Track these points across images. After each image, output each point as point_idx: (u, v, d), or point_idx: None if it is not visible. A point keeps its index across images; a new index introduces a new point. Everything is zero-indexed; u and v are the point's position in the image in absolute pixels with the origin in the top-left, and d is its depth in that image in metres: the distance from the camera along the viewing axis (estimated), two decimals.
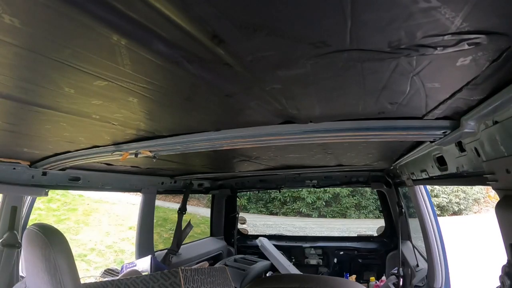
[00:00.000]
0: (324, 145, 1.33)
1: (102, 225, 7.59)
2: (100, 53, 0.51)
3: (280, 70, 0.57)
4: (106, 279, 1.92)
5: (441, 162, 1.19)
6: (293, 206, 14.13)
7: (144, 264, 2.25)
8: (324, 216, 13.83)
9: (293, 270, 2.63)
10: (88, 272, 5.67)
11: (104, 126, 0.94)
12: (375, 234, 3.23)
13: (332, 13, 0.40)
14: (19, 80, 0.61)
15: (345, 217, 13.77)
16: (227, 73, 0.58)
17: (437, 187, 12.15)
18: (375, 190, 3.04)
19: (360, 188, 12.63)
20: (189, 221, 2.78)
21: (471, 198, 13.83)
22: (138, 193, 2.46)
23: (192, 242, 3.09)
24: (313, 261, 3.12)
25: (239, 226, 3.54)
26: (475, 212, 13.56)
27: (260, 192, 13.85)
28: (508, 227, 0.74)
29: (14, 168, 1.43)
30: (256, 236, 3.23)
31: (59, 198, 7.53)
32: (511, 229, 0.73)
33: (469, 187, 11.35)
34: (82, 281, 1.29)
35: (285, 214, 14.10)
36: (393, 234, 2.80)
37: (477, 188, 12.06)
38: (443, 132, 0.88)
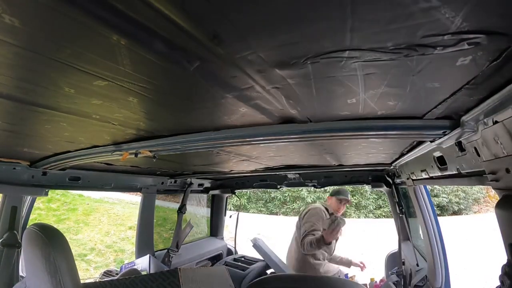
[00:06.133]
0: (324, 145, 1.33)
1: (102, 225, 7.59)
2: (100, 53, 0.51)
3: (280, 70, 0.57)
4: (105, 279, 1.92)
5: (441, 162, 1.19)
6: (293, 205, 14.15)
7: (143, 264, 2.25)
8: None
9: (289, 270, 2.63)
10: (88, 272, 5.68)
11: (104, 126, 0.94)
12: None
13: (332, 13, 0.40)
14: (19, 80, 0.61)
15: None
16: (227, 73, 0.58)
17: (437, 186, 12.16)
18: (375, 190, 3.03)
19: (360, 187, 12.64)
20: (189, 221, 2.78)
21: (471, 197, 13.85)
22: (138, 192, 2.46)
23: (192, 242, 3.09)
24: None
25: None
26: (475, 212, 13.57)
27: (260, 192, 13.89)
28: (508, 227, 0.74)
29: (14, 168, 1.43)
30: None
31: (59, 198, 7.53)
32: (511, 229, 0.74)
33: (469, 186, 11.36)
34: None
35: (285, 213, 14.11)
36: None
37: (477, 187, 12.08)
38: (443, 132, 0.88)
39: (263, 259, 2.78)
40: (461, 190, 13.39)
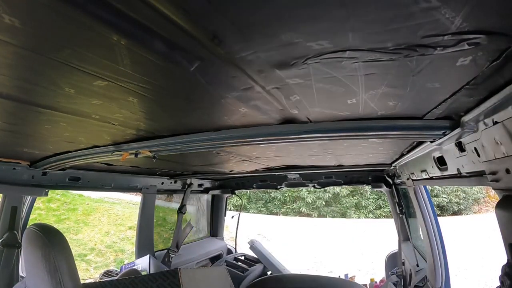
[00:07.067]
0: (324, 145, 1.33)
1: (102, 225, 7.58)
2: (100, 53, 0.51)
3: (280, 70, 0.57)
4: (105, 279, 1.92)
5: (441, 162, 1.19)
6: (293, 206, 14.15)
7: (143, 264, 2.25)
8: (324, 216, 13.86)
9: (286, 271, 2.63)
10: (88, 272, 5.68)
11: (104, 126, 0.94)
12: None
13: (332, 13, 0.40)
14: (19, 80, 0.61)
15: (345, 217, 13.79)
16: (227, 73, 0.58)
17: (437, 186, 12.16)
18: (375, 190, 3.03)
19: (360, 187, 12.64)
20: (189, 221, 2.78)
21: (471, 198, 13.85)
22: (139, 192, 2.46)
23: (192, 242, 3.09)
24: None
25: None
26: (475, 212, 13.57)
27: (260, 192, 13.89)
28: (508, 227, 0.74)
29: (14, 168, 1.43)
30: None
31: (59, 198, 7.52)
32: (511, 229, 0.73)
33: (469, 186, 11.35)
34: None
35: (285, 214, 14.11)
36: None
37: (477, 188, 12.07)
38: (443, 132, 0.88)
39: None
40: (461, 190, 13.39)
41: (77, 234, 6.86)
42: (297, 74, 0.58)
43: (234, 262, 2.86)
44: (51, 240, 1.11)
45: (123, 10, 0.39)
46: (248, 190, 4.38)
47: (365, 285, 2.73)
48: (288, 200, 14.28)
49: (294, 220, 12.92)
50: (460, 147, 0.94)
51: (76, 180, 1.75)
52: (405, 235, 2.58)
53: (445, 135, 0.89)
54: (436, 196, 13.08)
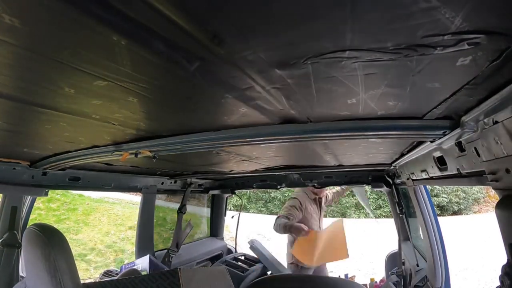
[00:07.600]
0: (324, 145, 1.33)
1: (102, 225, 7.59)
2: (100, 53, 0.51)
3: (280, 70, 0.57)
4: (105, 279, 1.91)
5: (441, 162, 1.19)
6: None
7: (143, 264, 2.25)
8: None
9: (286, 271, 2.63)
10: (88, 272, 5.68)
11: (104, 126, 0.94)
12: None
13: (332, 13, 0.40)
14: (19, 80, 0.61)
15: (345, 217, 13.79)
16: (227, 73, 0.58)
17: (437, 186, 12.16)
18: (375, 190, 3.03)
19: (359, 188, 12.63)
20: (189, 221, 2.78)
21: (471, 198, 13.84)
22: (139, 192, 2.46)
23: (192, 242, 3.09)
24: None
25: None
26: (475, 212, 13.57)
27: (260, 192, 13.89)
28: (508, 227, 0.74)
29: (14, 168, 1.43)
30: None
31: (59, 198, 7.53)
32: (511, 229, 0.73)
33: (469, 186, 11.35)
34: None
35: None
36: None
37: (477, 188, 12.07)
38: (443, 132, 0.88)
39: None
40: (461, 190, 13.39)
41: (77, 234, 6.86)
42: (297, 74, 0.58)
43: (234, 262, 2.86)
44: (51, 240, 1.11)
45: (123, 10, 0.39)
46: (248, 190, 4.39)
47: (365, 285, 2.73)
48: (288, 200, 14.29)
49: None
50: (460, 147, 0.94)
51: (76, 180, 1.75)
52: (405, 235, 2.58)
53: (445, 135, 0.89)
54: (436, 196, 13.07)
